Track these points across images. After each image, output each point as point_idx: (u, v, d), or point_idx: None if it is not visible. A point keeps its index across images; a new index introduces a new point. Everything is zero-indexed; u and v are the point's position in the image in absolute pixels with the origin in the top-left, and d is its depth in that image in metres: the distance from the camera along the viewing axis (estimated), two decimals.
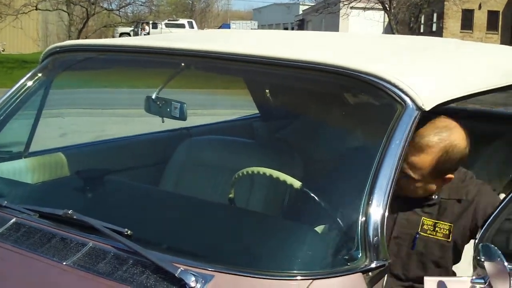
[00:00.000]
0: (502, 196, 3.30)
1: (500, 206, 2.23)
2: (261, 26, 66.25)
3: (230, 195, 2.67)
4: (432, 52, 3.04)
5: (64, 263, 2.03)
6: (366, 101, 2.40)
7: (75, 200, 2.64)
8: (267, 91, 3.20)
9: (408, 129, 2.19)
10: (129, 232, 2.09)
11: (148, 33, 42.88)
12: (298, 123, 2.84)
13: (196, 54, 2.72)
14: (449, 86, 2.54)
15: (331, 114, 2.68)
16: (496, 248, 2.01)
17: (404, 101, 2.23)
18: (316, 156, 2.55)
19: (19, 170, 3.11)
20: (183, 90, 3.21)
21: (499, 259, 1.97)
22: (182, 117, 2.69)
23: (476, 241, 2.14)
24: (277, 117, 2.94)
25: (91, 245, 2.09)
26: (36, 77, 3.10)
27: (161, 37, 3.30)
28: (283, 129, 2.89)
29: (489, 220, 2.21)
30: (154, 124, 3.36)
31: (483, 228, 2.18)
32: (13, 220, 2.28)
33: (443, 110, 2.42)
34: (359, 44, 3.18)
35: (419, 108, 2.24)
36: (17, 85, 3.06)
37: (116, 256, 2.02)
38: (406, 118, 2.21)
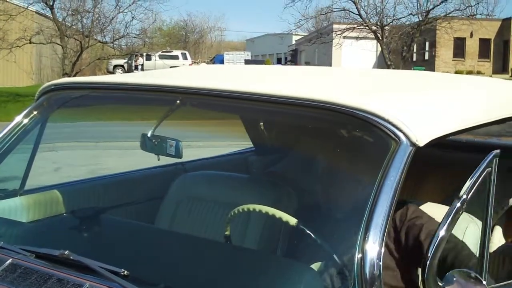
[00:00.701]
0: (497, 228, 3.31)
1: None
2: (255, 56, 66.59)
3: (226, 232, 2.66)
4: (426, 86, 3.07)
5: None
6: (360, 137, 2.40)
7: (71, 239, 2.63)
8: (262, 126, 3.21)
9: (402, 165, 2.20)
10: (125, 272, 2.08)
11: (142, 65, 43.06)
12: (293, 159, 2.84)
13: (191, 92, 2.73)
14: (443, 121, 2.55)
15: (326, 151, 2.69)
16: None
17: (398, 137, 2.25)
18: (312, 192, 2.55)
19: (15, 208, 3.10)
20: (177, 121, 3.22)
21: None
22: (178, 154, 2.70)
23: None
24: (272, 152, 2.94)
25: (87, 286, 2.08)
26: (32, 115, 3.11)
27: (156, 74, 3.32)
28: (278, 164, 2.89)
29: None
30: (149, 157, 3.36)
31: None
32: (9, 261, 2.26)
33: (437, 143, 2.44)
34: (352, 79, 3.20)
35: (413, 144, 2.25)
36: (13, 123, 3.07)
37: None
38: (400, 154, 2.22)
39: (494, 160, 2.26)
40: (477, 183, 2.19)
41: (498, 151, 2.26)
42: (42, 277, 2.16)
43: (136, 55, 42.34)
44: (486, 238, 2.26)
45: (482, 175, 2.22)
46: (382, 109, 2.30)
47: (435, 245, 2.06)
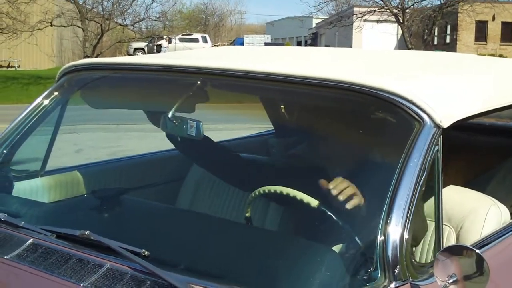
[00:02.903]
0: None
1: None
2: (275, 40, 66.31)
3: (247, 214, 2.65)
4: (449, 68, 3.03)
5: (82, 285, 2.02)
6: (383, 118, 2.38)
7: (91, 219, 2.63)
8: (282, 108, 3.19)
9: (426, 147, 2.18)
10: (146, 252, 2.08)
11: (167, 47, 43.06)
12: (314, 141, 2.81)
13: (212, 72, 2.72)
14: (467, 102, 2.52)
15: (348, 132, 2.66)
16: None
17: (422, 119, 2.23)
18: (332, 174, 2.53)
19: (36, 189, 3.11)
20: (198, 104, 3.21)
21: None
22: (199, 135, 2.68)
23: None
24: (292, 134, 2.92)
25: (108, 266, 2.08)
26: (52, 96, 3.10)
27: (176, 55, 3.30)
28: (299, 146, 2.87)
29: None
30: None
31: None
32: (30, 240, 2.27)
33: (460, 126, 2.41)
34: (375, 61, 3.17)
35: (437, 125, 2.23)
36: (33, 104, 3.08)
37: (133, 277, 2.01)
38: (424, 135, 2.20)
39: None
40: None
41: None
42: (63, 257, 2.16)
43: (161, 38, 42.42)
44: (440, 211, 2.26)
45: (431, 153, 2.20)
46: (406, 90, 2.27)
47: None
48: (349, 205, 2.27)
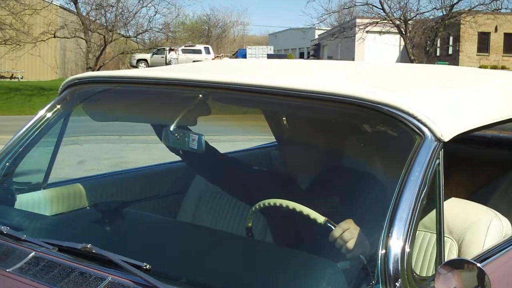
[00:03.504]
0: None
1: None
2: (277, 51, 66.43)
3: (249, 224, 2.66)
4: (450, 81, 3.04)
5: None
6: (384, 132, 2.39)
7: (93, 232, 2.64)
8: (284, 121, 3.19)
9: (427, 160, 2.19)
10: (147, 266, 2.08)
11: (177, 59, 43.14)
12: (316, 154, 2.82)
13: (213, 86, 2.73)
14: (468, 116, 2.53)
15: (350, 145, 2.67)
16: None
17: (423, 132, 2.23)
18: (335, 187, 2.54)
19: (38, 201, 3.12)
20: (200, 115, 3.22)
21: None
22: (200, 148, 2.69)
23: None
24: (295, 147, 2.92)
25: (110, 279, 2.08)
26: (55, 109, 3.12)
27: (178, 68, 3.32)
28: (301, 159, 2.87)
29: None
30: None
31: None
32: (32, 254, 2.28)
33: (462, 138, 2.42)
34: (377, 74, 3.17)
35: (438, 139, 2.24)
36: (36, 117, 3.09)
37: None
38: (425, 149, 2.21)
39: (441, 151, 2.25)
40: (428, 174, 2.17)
41: None
42: (65, 270, 2.17)
43: (170, 49, 42.59)
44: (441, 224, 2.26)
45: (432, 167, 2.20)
46: (407, 103, 2.28)
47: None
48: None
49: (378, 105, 2.28)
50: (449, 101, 2.57)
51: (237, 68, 3.37)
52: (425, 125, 2.24)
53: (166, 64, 40.28)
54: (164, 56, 44.93)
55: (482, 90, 2.92)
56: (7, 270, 2.21)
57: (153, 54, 44.93)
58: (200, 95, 2.75)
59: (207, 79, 2.76)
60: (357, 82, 2.80)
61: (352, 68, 3.48)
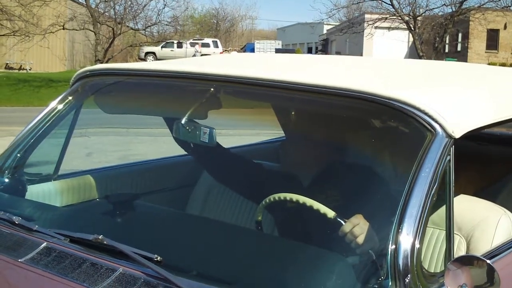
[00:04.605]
0: None
1: None
2: (285, 46, 66.32)
3: (259, 218, 2.67)
4: (461, 78, 3.04)
5: None
6: (395, 128, 2.39)
7: (104, 224, 2.65)
8: (294, 116, 3.20)
9: (438, 157, 2.19)
10: (159, 258, 2.09)
11: (200, 52, 43.17)
12: (326, 149, 2.83)
13: (225, 79, 2.73)
14: (479, 112, 2.53)
15: (361, 141, 2.67)
16: None
17: (434, 129, 2.23)
18: (345, 182, 2.55)
19: (49, 192, 3.14)
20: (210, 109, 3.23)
21: None
22: (212, 142, 2.70)
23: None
24: (304, 142, 2.93)
25: (121, 270, 2.09)
26: (66, 100, 3.13)
27: (189, 62, 3.33)
28: (311, 154, 2.88)
29: None
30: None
31: None
32: (44, 244, 2.29)
33: (471, 135, 2.42)
34: (388, 69, 3.18)
35: (449, 135, 2.24)
36: (47, 108, 3.10)
37: (146, 283, 2.03)
38: (436, 145, 2.21)
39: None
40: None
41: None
42: (76, 261, 2.18)
43: (194, 43, 42.74)
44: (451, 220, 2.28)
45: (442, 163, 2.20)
46: (418, 99, 2.28)
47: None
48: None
49: (390, 101, 2.28)
50: (460, 98, 2.57)
51: (248, 62, 3.37)
52: (437, 122, 2.24)
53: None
54: (173, 49, 44.94)
55: (493, 87, 2.92)
56: (19, 260, 2.22)
57: (162, 47, 44.95)
58: (212, 89, 2.76)
59: (219, 72, 2.77)
60: (368, 78, 2.80)
61: (362, 64, 3.49)
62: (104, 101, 3.29)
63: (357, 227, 2.28)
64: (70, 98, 3.14)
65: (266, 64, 3.32)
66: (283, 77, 2.58)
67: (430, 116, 2.24)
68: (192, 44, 46.06)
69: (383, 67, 3.31)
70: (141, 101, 3.29)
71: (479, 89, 2.82)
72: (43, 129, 3.07)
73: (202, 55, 38.77)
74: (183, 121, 2.74)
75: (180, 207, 3.51)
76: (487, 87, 2.90)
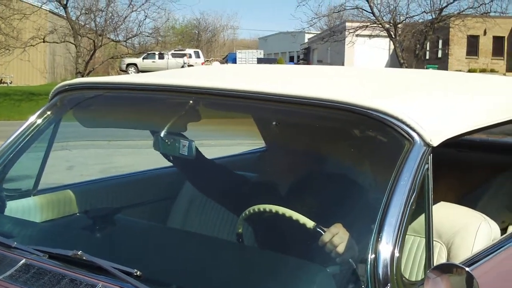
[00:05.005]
0: (510, 228, 3.28)
1: None
2: (267, 55, 66.54)
3: (239, 230, 2.67)
4: (439, 86, 3.05)
5: None
6: (374, 137, 2.40)
7: (84, 239, 2.64)
8: (275, 126, 3.21)
9: (416, 165, 2.20)
10: (138, 272, 2.08)
11: (188, 63, 43.14)
12: (305, 159, 2.83)
13: (204, 92, 2.73)
14: (457, 120, 2.54)
15: (340, 151, 2.68)
16: None
17: (412, 137, 2.25)
18: (325, 192, 2.55)
19: (28, 208, 3.11)
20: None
21: None
22: (191, 154, 2.70)
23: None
24: (284, 152, 2.94)
25: (100, 286, 2.08)
26: (45, 115, 3.11)
27: (168, 74, 3.32)
28: (291, 164, 2.88)
29: None
30: (162, 156, 3.36)
31: None
32: (23, 261, 2.27)
33: (451, 142, 2.43)
34: (365, 79, 3.19)
35: (427, 144, 2.25)
36: (26, 123, 3.08)
37: None
38: (414, 154, 2.22)
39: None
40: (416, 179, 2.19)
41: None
42: (55, 277, 2.16)
43: (184, 55, 42.80)
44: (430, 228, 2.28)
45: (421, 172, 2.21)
46: (396, 109, 2.29)
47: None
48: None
49: (368, 111, 2.29)
50: (438, 106, 2.58)
51: (228, 74, 3.38)
52: (414, 130, 2.25)
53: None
54: (154, 60, 44.94)
55: (471, 94, 2.94)
56: None
57: (143, 59, 44.90)
58: (191, 101, 2.75)
59: (198, 85, 2.77)
60: (347, 88, 2.81)
61: (342, 73, 3.50)
62: (83, 115, 3.28)
63: (337, 236, 2.28)
64: (48, 112, 3.12)
65: (246, 75, 3.32)
66: (263, 88, 2.59)
67: (407, 125, 2.25)
68: (175, 55, 46.06)
69: (362, 76, 3.33)
70: (120, 115, 3.28)
71: (457, 97, 2.84)
72: (22, 144, 3.05)
73: (189, 65, 38.82)
74: (162, 134, 2.74)
75: (161, 219, 3.49)
76: (465, 95, 2.92)
